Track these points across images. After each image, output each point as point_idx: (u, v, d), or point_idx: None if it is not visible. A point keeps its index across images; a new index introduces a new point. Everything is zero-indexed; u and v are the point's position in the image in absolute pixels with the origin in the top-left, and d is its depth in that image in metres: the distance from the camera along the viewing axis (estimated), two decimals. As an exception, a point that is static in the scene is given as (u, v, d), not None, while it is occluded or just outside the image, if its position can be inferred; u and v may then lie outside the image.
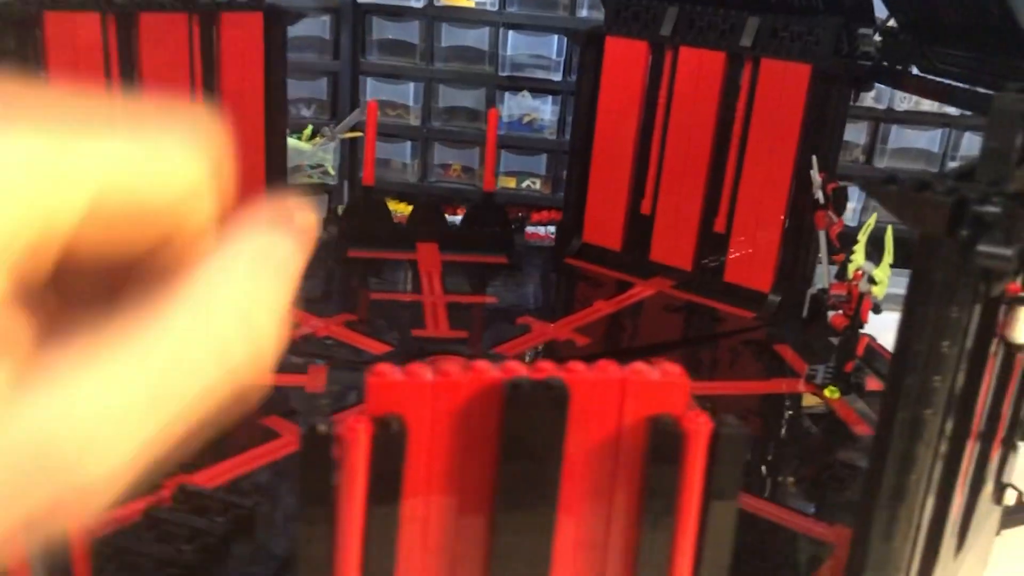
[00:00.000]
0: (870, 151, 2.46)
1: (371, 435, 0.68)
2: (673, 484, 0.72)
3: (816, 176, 1.53)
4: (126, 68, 1.71)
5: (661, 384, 0.73)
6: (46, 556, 0.74)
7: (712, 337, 1.78)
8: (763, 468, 1.33)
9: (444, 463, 0.72)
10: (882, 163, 2.46)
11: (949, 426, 0.79)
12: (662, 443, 0.71)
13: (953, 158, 2.44)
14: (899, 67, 1.61)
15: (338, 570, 0.71)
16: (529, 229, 2.50)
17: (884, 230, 1.34)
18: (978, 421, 0.93)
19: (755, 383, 1.58)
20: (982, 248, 0.67)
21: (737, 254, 1.89)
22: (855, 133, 2.43)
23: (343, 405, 1.37)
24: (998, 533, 1.37)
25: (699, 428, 0.71)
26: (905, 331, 0.75)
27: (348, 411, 1.35)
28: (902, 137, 2.44)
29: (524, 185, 2.60)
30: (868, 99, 2.36)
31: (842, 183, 1.55)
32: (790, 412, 1.49)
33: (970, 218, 0.69)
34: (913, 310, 0.74)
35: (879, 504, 0.78)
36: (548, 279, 2.06)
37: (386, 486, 0.70)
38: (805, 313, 1.78)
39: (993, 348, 0.90)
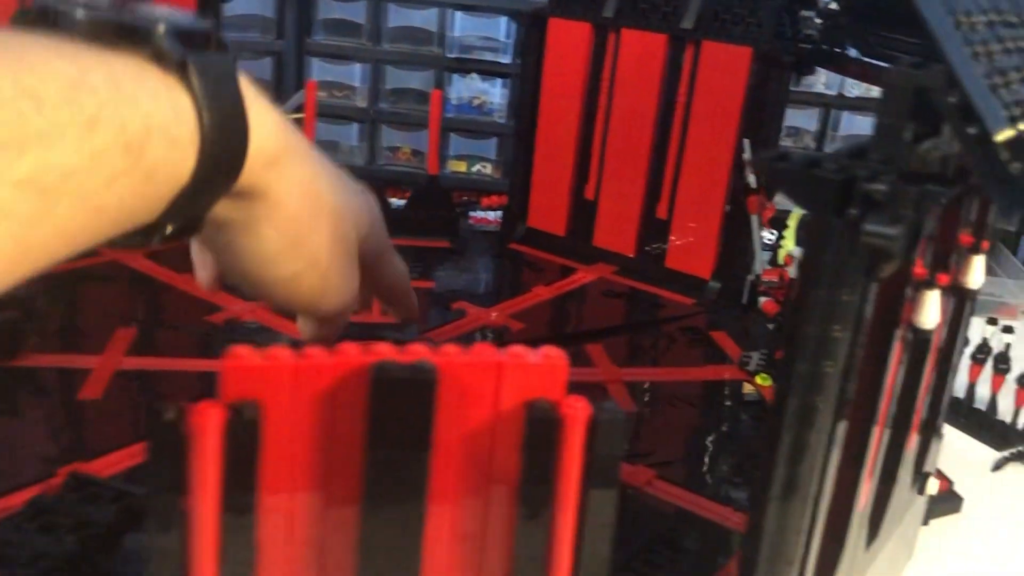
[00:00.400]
0: (820, 137, 2.44)
1: (223, 422, 0.64)
2: (550, 471, 0.69)
3: (748, 160, 1.51)
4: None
5: (539, 368, 0.69)
6: None
7: (651, 323, 1.75)
8: (688, 456, 1.31)
9: (308, 451, 0.69)
10: (832, 149, 2.44)
11: (846, 413, 0.77)
12: (538, 429, 0.68)
13: (903, 146, 2.42)
14: (838, 50, 1.59)
15: (193, 562, 0.67)
16: (478, 214, 2.46)
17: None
18: (886, 408, 0.90)
19: (691, 370, 1.56)
20: (867, 227, 0.65)
21: (678, 240, 1.86)
22: (805, 119, 2.41)
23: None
24: (926, 523, 1.35)
25: (577, 413, 0.68)
26: (795, 315, 0.72)
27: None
28: (853, 123, 2.42)
29: (475, 169, 2.56)
30: (819, 85, 2.34)
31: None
32: (723, 399, 1.47)
33: (859, 197, 0.66)
34: (803, 293, 0.71)
35: (771, 496, 0.76)
36: (491, 264, 2.03)
37: (241, 475, 0.66)
38: (744, 299, 1.76)
39: (900, 333, 0.87)
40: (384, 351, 0.68)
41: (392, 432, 0.67)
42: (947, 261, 0.96)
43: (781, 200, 1.66)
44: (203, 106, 0.59)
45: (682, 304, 1.80)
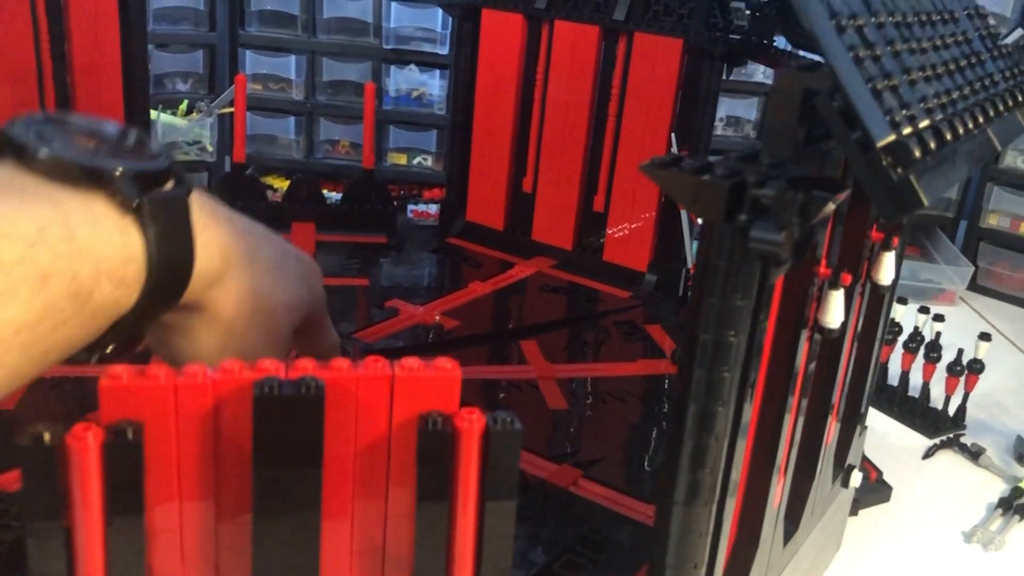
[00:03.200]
0: (761, 127, 2.45)
1: (102, 443, 0.62)
2: (445, 485, 0.68)
3: (676, 153, 1.50)
4: (-39, 39, 1.61)
5: (431, 380, 0.68)
6: None
7: (588, 318, 1.75)
8: (615, 454, 1.31)
9: (195, 470, 0.67)
10: (772, 139, 2.46)
11: (746, 416, 0.77)
12: (431, 442, 0.67)
13: (841, 134, 2.45)
14: (766, 42, 1.59)
15: (78, 588, 0.65)
16: (420, 207, 2.44)
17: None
18: (796, 406, 0.91)
19: (624, 365, 1.55)
20: (754, 234, 0.64)
21: (615, 233, 1.86)
22: (746, 109, 2.42)
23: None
24: (855, 513, 1.36)
25: (471, 426, 0.67)
26: (691, 321, 0.72)
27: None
28: (791, 113, 2.44)
29: (415, 161, 2.54)
30: (758, 74, 2.35)
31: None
32: (654, 395, 1.47)
33: (748, 203, 0.66)
34: (698, 299, 0.71)
35: (674, 500, 0.75)
36: (428, 260, 2.01)
37: (124, 497, 0.64)
38: (681, 291, 1.76)
39: (807, 333, 0.87)
40: (268, 367, 0.67)
41: (279, 450, 0.65)
42: (858, 258, 0.96)
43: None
44: (153, 245, 0.64)
45: (619, 297, 1.80)
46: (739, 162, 0.69)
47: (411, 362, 0.68)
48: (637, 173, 1.81)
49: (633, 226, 1.83)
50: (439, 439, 0.67)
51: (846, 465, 1.17)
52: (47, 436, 0.62)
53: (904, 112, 0.65)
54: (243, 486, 0.68)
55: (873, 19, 0.70)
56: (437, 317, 1.64)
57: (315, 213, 2.03)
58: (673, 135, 1.55)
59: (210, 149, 2.28)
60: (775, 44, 1.60)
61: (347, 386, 0.67)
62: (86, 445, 0.62)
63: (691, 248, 1.48)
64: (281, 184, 2.46)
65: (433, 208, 2.42)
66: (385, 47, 2.37)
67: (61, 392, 1.32)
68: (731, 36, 1.67)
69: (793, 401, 0.88)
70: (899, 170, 0.62)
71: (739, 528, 0.87)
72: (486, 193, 2.04)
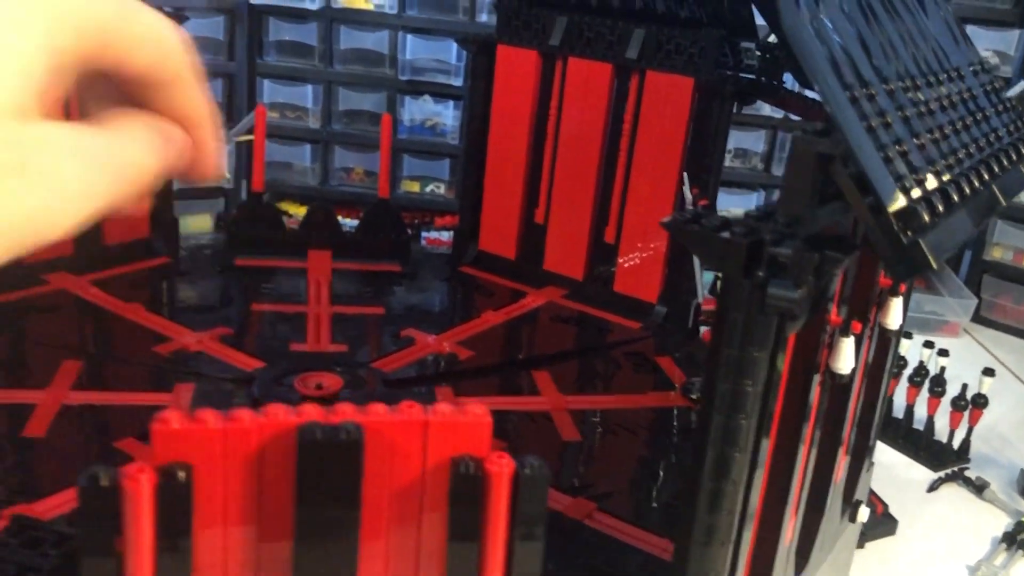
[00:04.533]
0: (768, 159, 2.49)
1: (155, 485, 0.66)
2: (477, 525, 0.72)
3: (688, 192, 1.54)
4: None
5: (464, 425, 0.72)
6: None
7: (598, 349, 1.79)
8: (628, 487, 1.34)
9: (240, 508, 0.70)
10: (780, 171, 2.50)
11: (761, 461, 0.80)
12: (464, 485, 0.71)
13: (847, 166, 2.49)
14: (775, 82, 1.63)
15: (128, 623, 0.68)
16: (432, 235, 2.48)
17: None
18: (807, 448, 0.94)
19: (635, 397, 1.59)
20: (772, 291, 0.68)
21: (625, 264, 1.90)
22: (753, 141, 2.46)
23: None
24: (861, 546, 1.39)
25: (501, 470, 0.70)
26: (710, 371, 0.75)
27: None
28: (798, 145, 2.48)
29: (428, 189, 2.58)
30: (765, 108, 2.39)
31: (709, 201, 1.57)
32: (666, 427, 1.50)
33: (766, 260, 0.69)
34: (716, 350, 0.74)
35: (692, 542, 0.79)
36: (441, 288, 2.05)
37: (174, 535, 0.68)
38: (690, 324, 1.80)
39: (819, 378, 0.91)
40: (311, 412, 0.70)
41: (320, 491, 0.69)
42: (866, 304, 1.00)
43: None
44: None
45: (629, 328, 1.84)
46: (756, 220, 0.73)
47: (444, 407, 0.72)
48: (648, 206, 1.85)
49: (643, 256, 1.87)
50: (471, 482, 0.70)
51: (854, 500, 1.20)
52: (104, 478, 0.66)
53: (914, 176, 0.69)
54: (284, 524, 0.71)
55: (884, 85, 0.73)
56: (448, 346, 1.67)
57: (331, 241, 2.07)
58: (685, 174, 1.59)
59: (228, 176, 2.32)
60: (784, 84, 1.64)
61: (384, 431, 0.70)
62: (140, 487, 0.66)
63: (702, 283, 1.52)
64: (296, 210, 2.50)
65: (446, 235, 2.46)
66: (401, 78, 2.41)
67: (87, 420, 1.36)
68: (741, 75, 1.72)
69: (805, 442, 0.92)
70: (909, 233, 0.65)
71: (752, 565, 0.90)
72: (499, 223, 2.08)
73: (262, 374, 1.48)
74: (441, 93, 2.45)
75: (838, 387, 0.96)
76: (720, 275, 1.46)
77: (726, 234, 0.71)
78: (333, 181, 2.56)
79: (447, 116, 2.47)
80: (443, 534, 0.74)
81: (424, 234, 2.39)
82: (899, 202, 0.65)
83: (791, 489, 0.92)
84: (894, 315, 1.01)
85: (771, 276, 0.69)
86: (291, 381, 1.45)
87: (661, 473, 1.40)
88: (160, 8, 1.64)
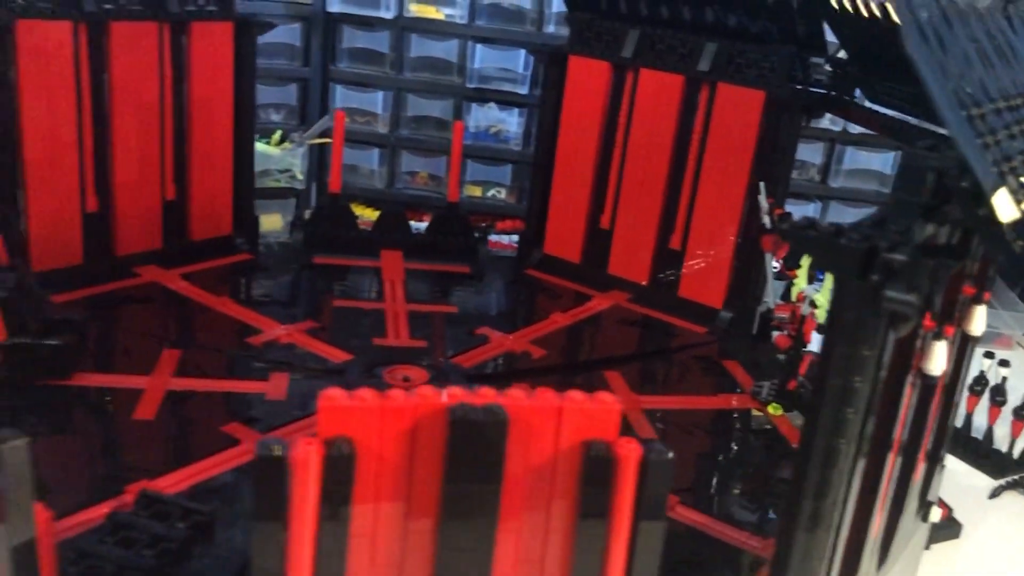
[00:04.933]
0: (825, 171, 2.54)
1: (322, 457, 0.73)
2: (605, 505, 0.78)
3: (764, 202, 1.60)
4: (97, 74, 1.74)
5: (595, 411, 0.78)
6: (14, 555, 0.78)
7: (665, 351, 1.84)
8: (705, 482, 1.39)
9: (391, 482, 0.77)
10: (836, 183, 2.54)
11: (864, 452, 0.86)
12: (595, 467, 0.77)
13: (904, 179, 2.52)
14: (846, 96, 1.68)
15: (289, 582, 0.75)
16: (493, 238, 2.54)
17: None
18: (896, 447, 0.99)
19: (705, 398, 1.64)
20: (889, 294, 0.73)
21: (691, 270, 1.95)
22: (811, 153, 2.51)
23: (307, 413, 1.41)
24: (927, 547, 1.44)
25: (629, 453, 0.77)
26: (821, 367, 0.81)
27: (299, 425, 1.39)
28: (856, 158, 2.52)
29: (489, 194, 2.65)
30: (824, 120, 2.43)
31: (787, 210, 1.62)
32: (737, 427, 1.56)
33: (880, 265, 0.75)
34: (829, 348, 0.80)
35: (798, 527, 0.84)
36: (508, 289, 2.12)
37: (336, 504, 0.75)
38: (755, 330, 1.85)
39: (911, 379, 0.96)
40: (458, 394, 0.77)
41: (467, 467, 0.75)
42: (952, 311, 1.05)
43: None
44: None
45: (695, 333, 1.89)
46: (870, 228, 0.79)
47: (576, 395, 0.78)
48: (716, 214, 1.91)
49: (709, 263, 1.92)
50: (602, 464, 0.77)
51: (927, 501, 1.25)
52: (276, 448, 0.73)
53: (1023, 192, 0.74)
54: (430, 498, 0.78)
55: (991, 104, 0.79)
56: (521, 345, 1.74)
57: (403, 243, 2.15)
58: (762, 184, 1.64)
59: (300, 177, 2.40)
60: (855, 98, 1.69)
61: (523, 414, 0.77)
62: (308, 458, 0.73)
63: (772, 293, 1.57)
64: (362, 211, 2.58)
65: (506, 239, 2.53)
66: (468, 85, 2.49)
67: (192, 405, 1.43)
68: (811, 89, 1.77)
69: (895, 439, 0.97)
70: (1020, 243, 0.71)
71: (844, 554, 0.95)
72: (564, 228, 2.14)
73: (351, 366, 1.55)
74: (506, 101, 2.52)
75: (926, 388, 1.02)
76: (791, 282, 1.50)
77: (843, 240, 0.76)
78: (398, 184, 2.63)
79: (511, 123, 2.54)
80: (570, 513, 0.80)
81: (489, 238, 2.45)
82: (1013, 214, 0.71)
83: (880, 484, 0.97)
84: (978, 322, 1.06)
85: (885, 280, 0.75)
86: (380, 373, 1.53)
87: (733, 471, 1.45)
88: (248, 16, 1.71)
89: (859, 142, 2.49)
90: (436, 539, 0.78)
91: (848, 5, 1.54)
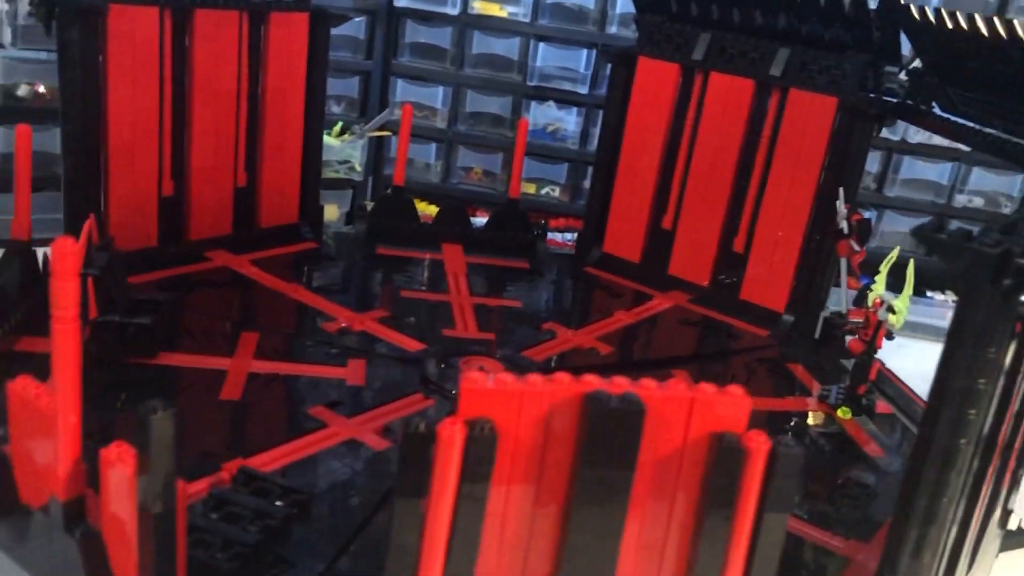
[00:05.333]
0: (881, 180, 2.54)
1: (465, 437, 0.75)
2: (733, 496, 0.79)
3: (842, 207, 1.61)
4: (178, 61, 1.77)
5: (725, 403, 0.80)
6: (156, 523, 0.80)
7: (728, 352, 1.85)
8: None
9: (524, 465, 0.79)
10: (892, 192, 2.55)
11: (981, 453, 0.87)
12: (726, 458, 0.78)
13: (961, 191, 2.53)
14: (923, 106, 1.69)
15: (424, 557, 0.77)
16: (553, 236, 2.56)
17: (907, 263, 1.42)
18: (999, 452, 1.00)
19: (775, 400, 1.65)
20: (1026, 298, 0.75)
21: (753, 273, 1.96)
22: (868, 161, 2.50)
23: (386, 400, 1.43)
24: (996, 556, 1.44)
25: (760, 446, 0.78)
26: (944, 368, 0.82)
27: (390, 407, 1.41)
28: (913, 168, 2.52)
29: (543, 192, 2.66)
30: (883, 130, 2.44)
31: (867, 215, 1.63)
32: (807, 430, 1.56)
33: (1014, 270, 0.76)
34: (953, 349, 0.81)
35: (911, 524, 0.86)
36: (568, 286, 2.13)
37: (475, 483, 0.76)
38: (817, 334, 1.86)
39: (1018, 385, 0.97)
40: (593, 382, 0.78)
41: (603, 453, 0.77)
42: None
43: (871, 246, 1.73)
44: None
45: (758, 335, 1.90)
46: (1002, 233, 0.80)
47: (707, 387, 0.80)
48: (781, 219, 1.91)
49: (773, 268, 1.93)
50: (734, 456, 0.78)
51: (1009, 508, 1.26)
52: (422, 426, 0.75)
53: None
54: (560, 482, 0.79)
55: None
56: (588, 341, 1.75)
57: (463, 237, 2.17)
58: (841, 189, 1.65)
59: (358, 169, 2.43)
60: (933, 108, 1.70)
61: (657, 403, 0.78)
62: (452, 437, 0.75)
63: (845, 297, 1.58)
64: (417, 205, 2.60)
65: (559, 237, 2.55)
66: (528, 83, 2.51)
67: (275, 387, 1.46)
68: (885, 98, 1.78)
69: (999, 444, 0.98)
70: None
71: (949, 556, 0.97)
72: (625, 227, 2.16)
73: (427, 355, 1.57)
74: (566, 100, 2.54)
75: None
76: (868, 288, 1.51)
77: (975, 244, 0.78)
78: (453, 179, 2.65)
79: (569, 122, 2.56)
80: (693, 501, 0.81)
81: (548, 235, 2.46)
82: None
83: (982, 487, 0.98)
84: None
85: (1019, 285, 0.76)
86: (456, 363, 1.54)
87: (810, 472, 1.46)
88: (323, 8, 1.73)
89: (917, 152, 2.50)
90: (565, 522, 0.79)
91: (932, 16, 1.55)
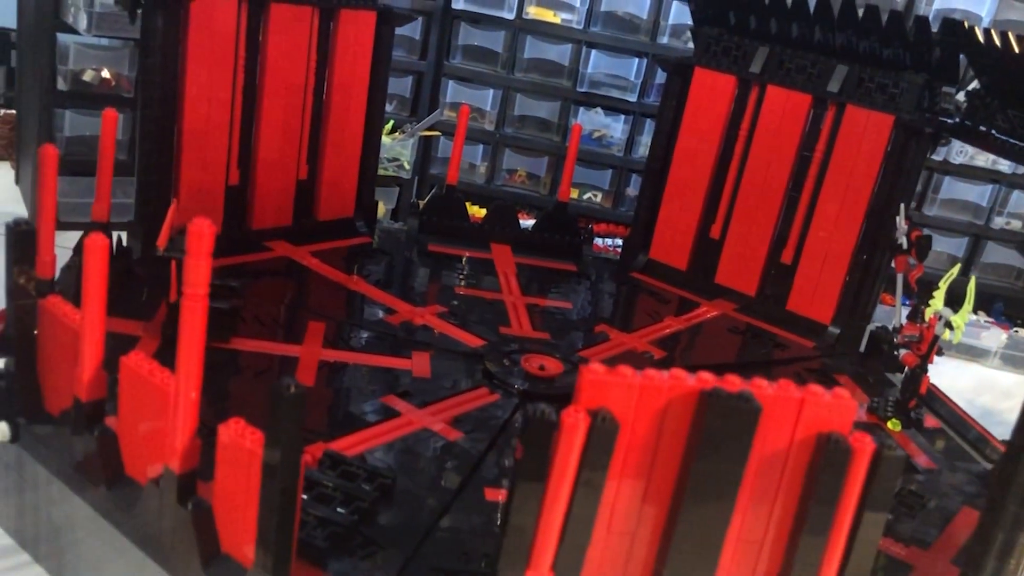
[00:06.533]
0: (921, 199, 2.57)
1: (588, 426, 0.78)
2: (836, 494, 0.83)
3: (902, 223, 1.64)
4: (252, 53, 1.80)
5: (833, 405, 0.83)
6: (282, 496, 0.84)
7: (774, 362, 1.88)
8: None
9: (637, 455, 0.82)
10: (931, 212, 2.57)
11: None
12: (833, 457, 0.82)
13: (1000, 213, 2.56)
14: (981, 127, 1.72)
15: (539, 541, 0.81)
16: (596, 241, 2.59)
17: (967, 281, 1.45)
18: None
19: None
20: None
21: (801, 285, 2.00)
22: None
23: (454, 392, 1.47)
24: None
25: (864, 447, 0.81)
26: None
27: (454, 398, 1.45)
28: (953, 188, 2.55)
29: (585, 197, 2.70)
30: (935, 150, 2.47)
31: (926, 232, 1.66)
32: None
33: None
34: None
35: (989, 555, 0.89)
36: (615, 290, 2.16)
37: (594, 472, 0.80)
38: (862, 347, 1.89)
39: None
40: (709, 379, 0.82)
41: (719, 448, 0.80)
42: None
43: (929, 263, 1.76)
44: None
45: (804, 346, 1.94)
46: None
47: (816, 388, 0.83)
48: (833, 233, 1.94)
49: (821, 281, 1.96)
50: (840, 456, 0.81)
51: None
52: (548, 413, 0.78)
53: None
54: (669, 473, 0.83)
55: None
56: (642, 345, 1.79)
57: (512, 237, 2.20)
58: (902, 205, 1.68)
59: (407, 167, 2.46)
60: (992, 130, 1.73)
61: (770, 402, 0.81)
62: (575, 424, 0.78)
63: (900, 312, 1.61)
64: (462, 205, 2.64)
65: (600, 242, 2.58)
66: (578, 89, 2.54)
67: (345, 375, 1.49)
68: (942, 118, 1.81)
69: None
70: None
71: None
72: (673, 235, 2.19)
73: (488, 351, 1.60)
74: (614, 107, 2.57)
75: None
76: (926, 303, 1.53)
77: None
78: (497, 181, 2.69)
79: (616, 129, 2.59)
80: (794, 500, 0.85)
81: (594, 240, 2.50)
82: None
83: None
84: None
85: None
86: (517, 360, 1.58)
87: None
88: (391, 8, 1.75)
89: (958, 173, 2.53)
90: (673, 513, 0.83)
91: (997, 38, 1.58)
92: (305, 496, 1.10)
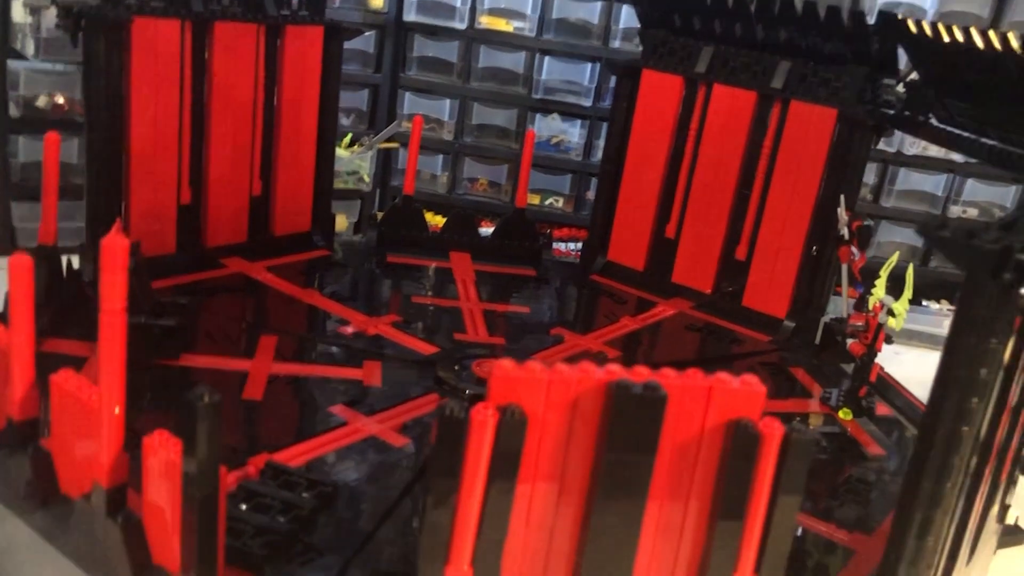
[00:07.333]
0: (877, 191, 2.60)
1: (496, 421, 0.79)
2: (747, 480, 0.84)
3: (842, 214, 1.66)
4: (198, 72, 1.82)
5: (741, 392, 0.84)
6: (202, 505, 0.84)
7: (732, 357, 1.90)
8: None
9: (550, 449, 0.84)
10: (888, 203, 2.60)
11: (982, 441, 0.91)
12: (742, 444, 0.83)
13: (955, 202, 2.58)
14: (920, 117, 1.74)
15: (456, 537, 0.82)
16: (555, 245, 2.61)
17: (905, 268, 1.47)
18: (997, 446, 1.05)
19: (778, 402, 1.69)
20: (1024, 291, 0.80)
21: (755, 280, 2.01)
22: (864, 173, 2.56)
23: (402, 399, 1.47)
24: (994, 552, 1.49)
25: (773, 432, 0.83)
26: (948, 358, 0.87)
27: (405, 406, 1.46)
28: (909, 179, 2.58)
29: (547, 202, 2.72)
30: (880, 142, 2.50)
31: (867, 222, 1.68)
32: (812, 430, 1.61)
33: (1013, 264, 0.81)
34: (956, 340, 0.86)
35: (916, 506, 0.90)
36: (573, 293, 2.18)
37: (506, 466, 0.81)
38: (817, 340, 1.91)
39: (1017, 377, 1.02)
40: (616, 371, 0.83)
41: (627, 439, 0.81)
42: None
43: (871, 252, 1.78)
44: None
45: (760, 341, 1.95)
46: (1002, 229, 0.85)
47: (724, 376, 0.85)
48: (783, 227, 1.96)
49: (774, 276, 1.98)
50: (749, 441, 0.83)
51: (1005, 503, 1.30)
52: (457, 410, 0.79)
53: None
54: (584, 465, 0.84)
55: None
56: (596, 346, 1.80)
57: (471, 245, 2.22)
58: (842, 196, 1.70)
59: (367, 180, 2.48)
60: (930, 119, 1.75)
61: (678, 391, 0.83)
62: (485, 420, 0.79)
63: (846, 302, 1.63)
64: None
65: (562, 246, 2.60)
66: (533, 96, 2.56)
67: (294, 387, 1.50)
68: (883, 110, 1.83)
69: (998, 434, 1.03)
70: None
71: (950, 543, 1.01)
72: (629, 236, 2.21)
73: (440, 358, 1.61)
74: (570, 112, 2.59)
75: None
76: (869, 292, 1.55)
77: (976, 241, 0.83)
78: (458, 190, 2.71)
79: (573, 134, 2.61)
80: (710, 486, 0.86)
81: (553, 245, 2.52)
82: None
83: (982, 478, 1.03)
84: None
85: (1019, 279, 0.81)
86: (468, 365, 1.59)
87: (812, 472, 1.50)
88: (338, 23, 1.78)
89: (912, 164, 2.56)
90: (589, 505, 0.84)
91: (929, 30, 1.61)
92: (244, 506, 1.11)
